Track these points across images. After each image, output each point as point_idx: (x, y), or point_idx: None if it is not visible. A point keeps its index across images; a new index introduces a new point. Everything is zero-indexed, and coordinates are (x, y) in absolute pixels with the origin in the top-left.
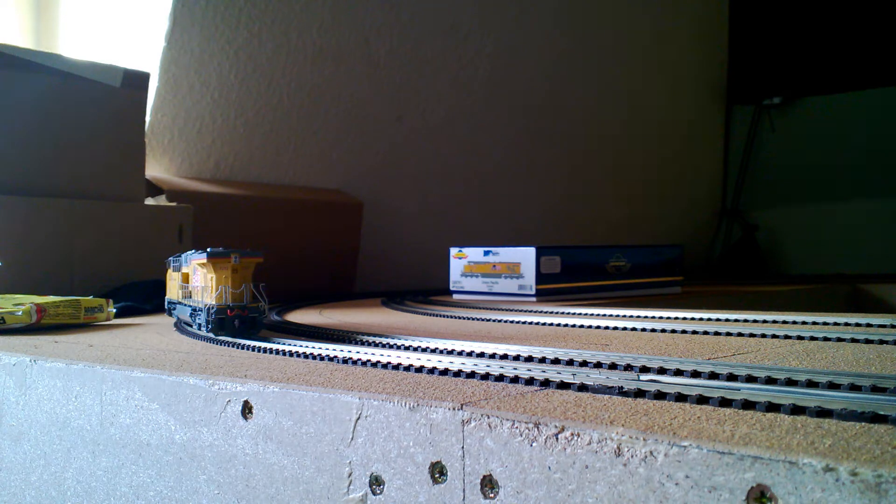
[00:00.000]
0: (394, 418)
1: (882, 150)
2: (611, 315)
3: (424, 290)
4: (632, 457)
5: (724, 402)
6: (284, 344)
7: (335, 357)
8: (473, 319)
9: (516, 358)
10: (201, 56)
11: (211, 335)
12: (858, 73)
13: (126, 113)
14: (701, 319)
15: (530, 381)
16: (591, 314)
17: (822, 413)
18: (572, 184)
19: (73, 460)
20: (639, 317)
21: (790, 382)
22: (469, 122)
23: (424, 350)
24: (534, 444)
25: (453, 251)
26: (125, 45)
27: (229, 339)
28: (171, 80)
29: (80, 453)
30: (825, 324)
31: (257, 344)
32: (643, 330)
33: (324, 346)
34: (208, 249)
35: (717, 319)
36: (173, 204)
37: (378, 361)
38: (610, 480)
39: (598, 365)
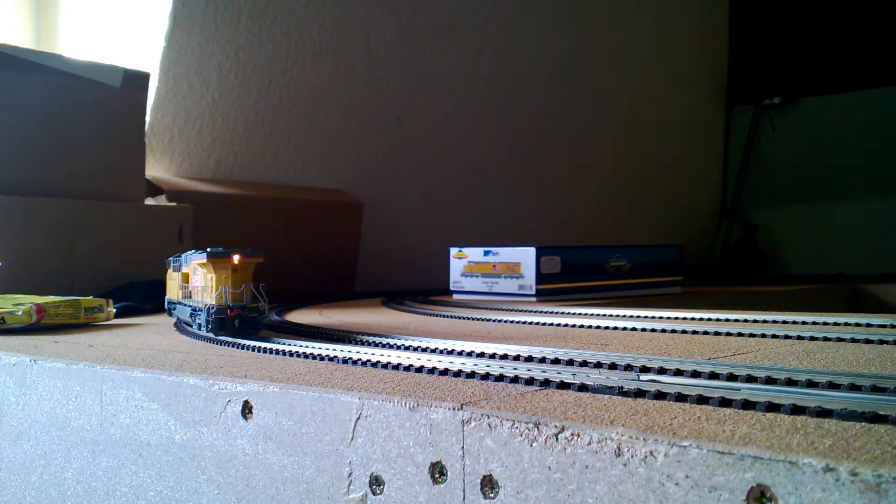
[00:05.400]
0: (394, 418)
1: (882, 150)
2: (611, 315)
3: (424, 290)
4: (632, 457)
5: (724, 402)
6: (284, 344)
7: (335, 357)
8: (473, 319)
9: (516, 358)
10: (201, 56)
11: (211, 335)
12: (858, 73)
13: (126, 113)
14: (701, 319)
15: (530, 381)
16: (591, 314)
17: (822, 413)
18: (572, 184)
19: (73, 460)
20: (639, 317)
21: (790, 382)
22: (469, 122)
23: (424, 350)
24: (534, 444)
25: (453, 251)
26: (125, 45)
27: (229, 339)
28: (171, 80)
29: (80, 453)
30: (825, 324)
31: (257, 344)
32: (643, 330)
33: (324, 346)
34: (208, 249)
35: (717, 319)
36: (173, 204)
37: (378, 361)
38: (610, 480)
39: (598, 365)
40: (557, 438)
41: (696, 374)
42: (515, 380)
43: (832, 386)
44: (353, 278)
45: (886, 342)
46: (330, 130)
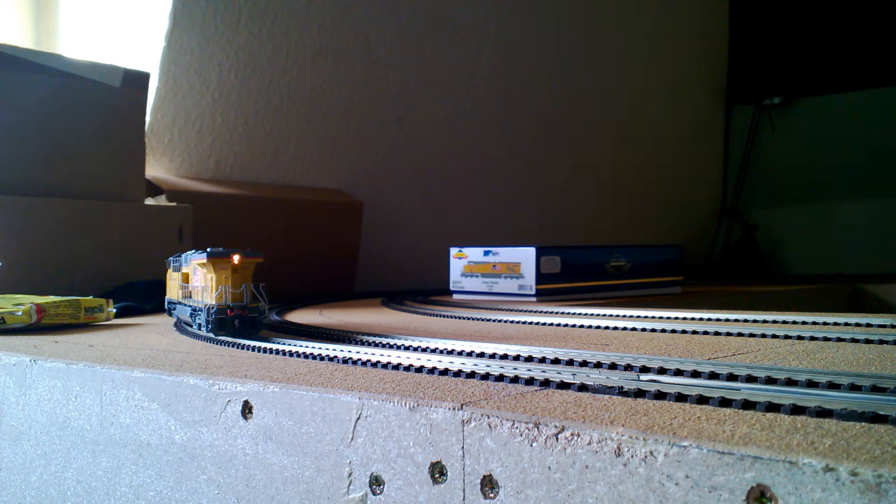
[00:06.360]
0: (394, 418)
1: (882, 150)
2: (611, 315)
3: (424, 290)
4: (632, 457)
5: (724, 402)
6: (284, 344)
7: (335, 357)
8: (473, 319)
9: (516, 358)
10: (201, 56)
11: (211, 335)
12: (858, 73)
13: (126, 113)
14: (701, 319)
15: (530, 381)
16: (591, 314)
17: (822, 413)
18: (572, 184)
19: (73, 460)
20: (639, 317)
21: (790, 382)
22: (469, 122)
23: (424, 350)
24: (534, 444)
25: (453, 251)
26: (125, 45)
27: (229, 339)
28: (171, 80)
29: (80, 453)
30: (825, 324)
31: (257, 344)
32: (643, 330)
33: (324, 346)
34: (208, 249)
35: (717, 319)
36: (173, 204)
37: (378, 361)
38: (610, 480)
39: (598, 365)
40: (557, 438)
41: (696, 374)
42: (515, 380)
43: (832, 386)
44: (353, 278)
45: (886, 342)
46: (330, 130)
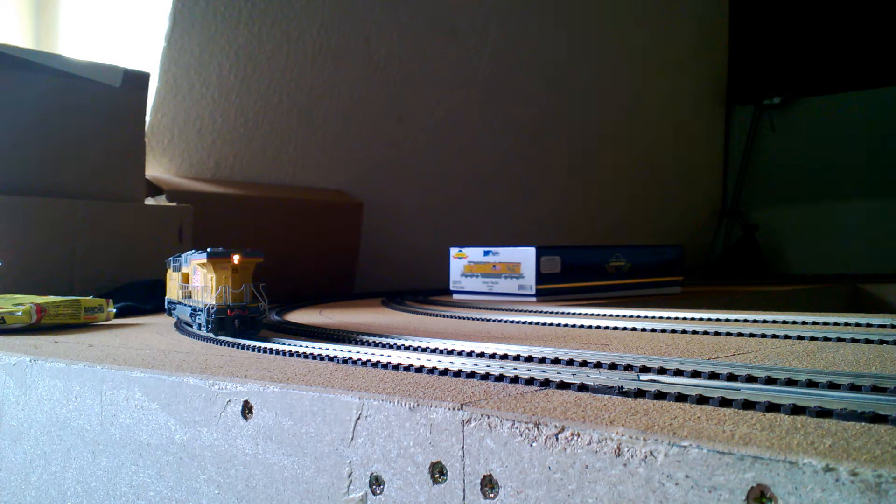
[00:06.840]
0: (394, 418)
1: (882, 150)
2: (611, 315)
3: (424, 290)
4: (632, 457)
5: (724, 402)
6: (284, 344)
7: (335, 357)
8: (473, 319)
9: (516, 358)
10: (201, 56)
11: (211, 335)
12: (858, 73)
13: (126, 113)
14: (701, 319)
15: (530, 381)
16: (591, 314)
17: (822, 413)
18: (572, 184)
19: (73, 460)
20: (639, 317)
21: (790, 382)
22: (469, 122)
23: (424, 350)
24: (534, 444)
25: (453, 251)
26: (125, 45)
27: (229, 339)
28: (171, 80)
29: (80, 453)
30: (825, 324)
31: (257, 344)
32: (643, 330)
33: (324, 346)
34: (208, 249)
35: (717, 319)
36: (173, 204)
37: (378, 361)
38: (610, 480)
39: (598, 365)
40: (557, 438)
41: (696, 374)
42: (515, 380)
43: (832, 386)
44: (353, 278)
45: (886, 342)
46: (330, 130)
